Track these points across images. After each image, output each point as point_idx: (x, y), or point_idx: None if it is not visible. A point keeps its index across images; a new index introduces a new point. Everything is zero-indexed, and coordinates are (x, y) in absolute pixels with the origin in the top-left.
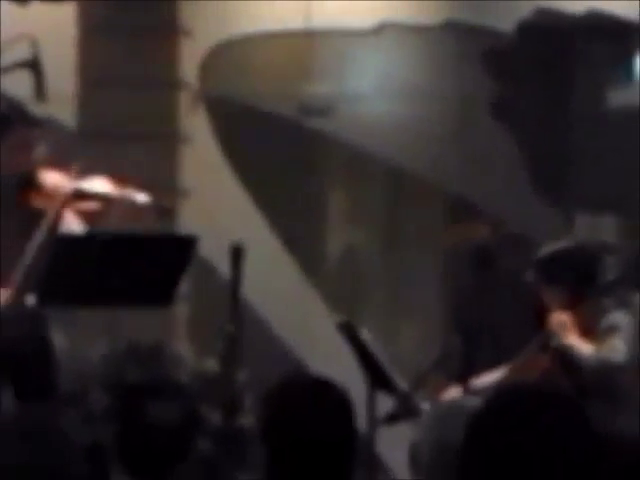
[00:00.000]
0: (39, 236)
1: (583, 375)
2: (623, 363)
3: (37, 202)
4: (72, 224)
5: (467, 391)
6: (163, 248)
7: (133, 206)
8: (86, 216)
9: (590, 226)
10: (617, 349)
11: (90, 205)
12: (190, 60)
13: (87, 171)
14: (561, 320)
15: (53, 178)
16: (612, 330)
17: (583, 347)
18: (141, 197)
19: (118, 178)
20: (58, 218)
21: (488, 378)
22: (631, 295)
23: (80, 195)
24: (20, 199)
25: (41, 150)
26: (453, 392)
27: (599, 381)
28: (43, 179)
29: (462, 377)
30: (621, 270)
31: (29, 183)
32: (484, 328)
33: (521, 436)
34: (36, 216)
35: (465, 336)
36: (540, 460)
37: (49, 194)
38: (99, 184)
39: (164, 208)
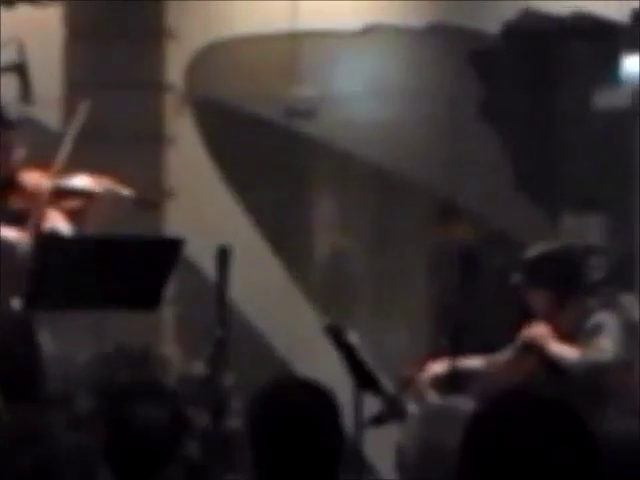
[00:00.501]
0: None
1: (572, 380)
2: (612, 362)
3: (19, 203)
4: (58, 223)
5: (451, 369)
6: (149, 250)
7: (116, 202)
8: (71, 215)
9: (575, 227)
10: (604, 348)
11: (73, 203)
12: (176, 62)
13: (68, 169)
14: (538, 332)
15: (33, 178)
16: (598, 329)
17: (568, 352)
18: (125, 191)
19: (98, 174)
20: (41, 218)
21: (473, 362)
22: (617, 296)
23: (61, 193)
24: (1, 200)
25: (20, 152)
26: (436, 367)
27: (588, 384)
28: (23, 180)
29: (448, 380)
30: (606, 271)
31: (9, 184)
32: (471, 329)
33: (520, 441)
34: (20, 217)
35: (452, 337)
36: (538, 466)
37: (30, 194)
38: (80, 180)
39: (149, 201)
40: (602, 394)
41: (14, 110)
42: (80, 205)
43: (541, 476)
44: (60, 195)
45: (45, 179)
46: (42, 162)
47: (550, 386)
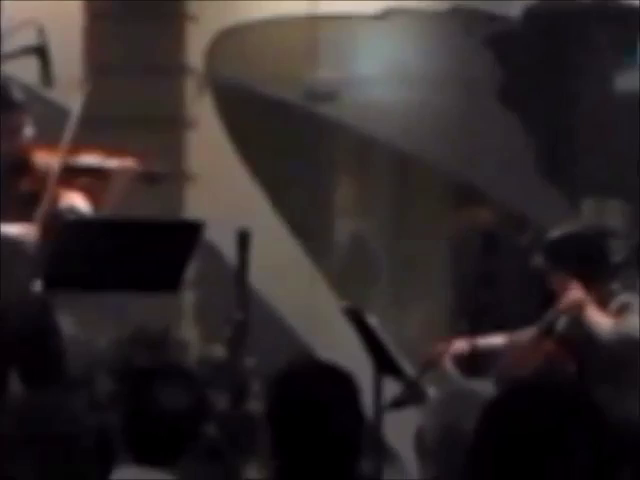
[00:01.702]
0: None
1: (599, 351)
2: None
3: (30, 184)
4: (75, 201)
5: (472, 348)
6: (170, 233)
7: (135, 182)
8: (84, 193)
9: (596, 211)
10: (635, 325)
11: (84, 180)
12: (196, 46)
13: (77, 147)
14: (577, 296)
15: (43, 158)
16: (625, 308)
17: (604, 320)
18: (133, 167)
19: (108, 150)
20: (54, 200)
21: (494, 340)
22: (637, 278)
23: (72, 171)
24: (13, 183)
25: (28, 132)
26: (458, 345)
27: (619, 357)
28: (33, 161)
29: (468, 364)
30: (627, 255)
31: (20, 167)
32: (491, 312)
33: (534, 429)
34: (32, 200)
35: (472, 320)
36: (549, 455)
37: (41, 175)
38: (89, 158)
39: (155, 174)
40: (621, 378)
41: (19, 92)
42: (92, 183)
43: (552, 465)
44: (70, 173)
45: (55, 158)
46: (56, 143)
47: (570, 368)
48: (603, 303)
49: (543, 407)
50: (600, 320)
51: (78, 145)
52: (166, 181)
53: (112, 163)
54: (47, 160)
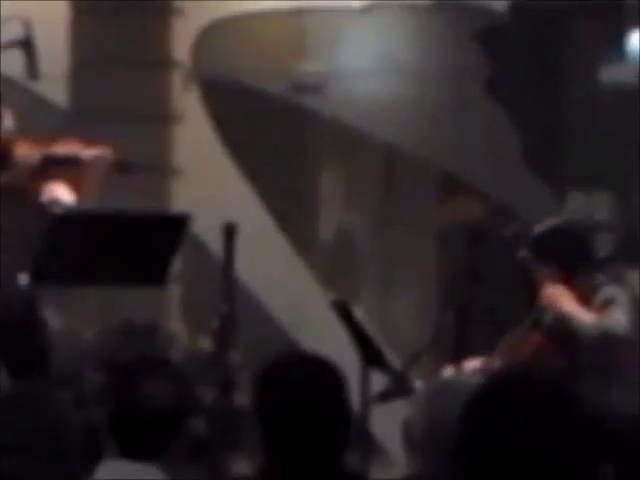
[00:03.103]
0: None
1: (583, 345)
2: (624, 333)
3: (9, 175)
4: (59, 193)
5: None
6: (156, 227)
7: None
8: (64, 182)
9: (582, 204)
10: (617, 319)
11: (61, 170)
12: (182, 39)
13: (54, 137)
14: (556, 292)
15: (22, 149)
16: (610, 302)
17: (583, 315)
18: (106, 154)
19: (82, 140)
20: (38, 190)
21: (481, 362)
22: (623, 271)
23: (50, 161)
24: None
25: (8, 123)
26: (446, 374)
27: (599, 351)
28: (12, 152)
29: (455, 357)
30: (613, 248)
31: (1, 160)
32: (477, 305)
33: (514, 421)
34: (10, 192)
35: (458, 313)
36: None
37: (20, 166)
38: (65, 148)
39: (131, 163)
40: (610, 369)
41: None
42: (68, 173)
43: (533, 459)
44: (48, 163)
45: (35, 150)
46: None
47: (558, 361)
48: (587, 297)
49: (523, 400)
50: (580, 315)
51: (54, 136)
52: (141, 171)
53: (86, 153)
54: (26, 152)
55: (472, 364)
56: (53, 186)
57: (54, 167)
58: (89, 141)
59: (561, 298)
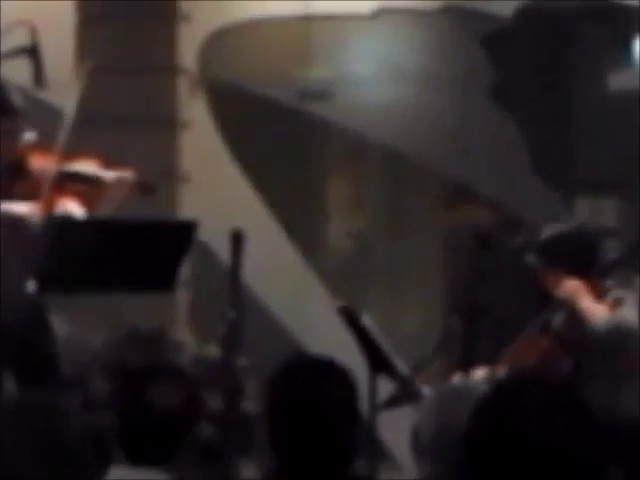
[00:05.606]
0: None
1: (592, 349)
2: (635, 331)
3: (25, 188)
4: (71, 208)
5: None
6: (164, 233)
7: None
8: (78, 199)
9: (590, 209)
10: (630, 315)
11: (78, 187)
12: (189, 45)
13: (74, 152)
14: (572, 286)
15: (39, 163)
16: (619, 302)
17: (598, 309)
18: (128, 177)
19: (104, 159)
20: (51, 203)
21: (490, 369)
22: (632, 277)
23: (68, 177)
24: (8, 187)
25: (30, 136)
26: (455, 380)
27: (612, 345)
28: (30, 165)
29: (463, 363)
30: (621, 253)
31: (16, 170)
32: (485, 311)
33: (525, 425)
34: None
35: (466, 319)
36: (543, 449)
37: (36, 180)
38: (86, 165)
39: (148, 184)
40: (615, 373)
41: (19, 96)
42: (86, 191)
43: (541, 463)
44: (66, 180)
45: (51, 164)
46: (51, 146)
47: (566, 365)
48: (598, 299)
49: (530, 405)
50: (594, 309)
51: (76, 151)
52: (152, 191)
53: (109, 175)
54: (42, 164)
55: (481, 371)
56: (65, 200)
57: (71, 183)
58: (109, 159)
59: (578, 293)
